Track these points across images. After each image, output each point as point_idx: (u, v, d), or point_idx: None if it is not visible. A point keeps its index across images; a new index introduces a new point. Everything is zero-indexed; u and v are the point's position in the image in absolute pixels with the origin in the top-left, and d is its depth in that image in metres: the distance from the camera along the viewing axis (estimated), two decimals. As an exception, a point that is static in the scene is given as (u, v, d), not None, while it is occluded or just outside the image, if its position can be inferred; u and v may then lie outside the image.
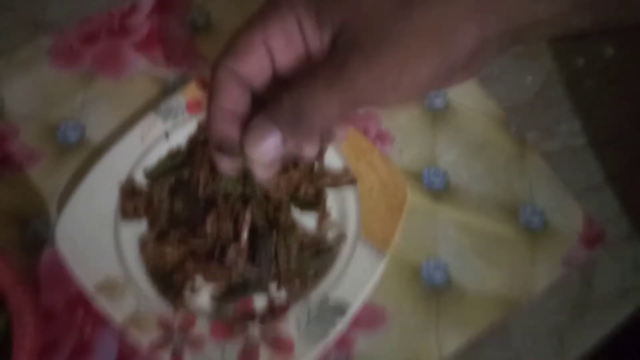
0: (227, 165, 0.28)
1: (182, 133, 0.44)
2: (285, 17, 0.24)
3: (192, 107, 0.44)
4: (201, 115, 0.44)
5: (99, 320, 0.39)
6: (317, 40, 0.24)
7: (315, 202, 0.41)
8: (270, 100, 0.24)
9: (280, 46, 0.24)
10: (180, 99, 0.45)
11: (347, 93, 0.23)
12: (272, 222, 0.40)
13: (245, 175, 0.39)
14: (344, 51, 0.23)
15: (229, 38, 0.26)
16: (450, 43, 0.22)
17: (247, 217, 0.38)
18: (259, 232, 0.39)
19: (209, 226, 0.39)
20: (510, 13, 0.23)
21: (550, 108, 0.50)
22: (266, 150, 0.24)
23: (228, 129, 0.26)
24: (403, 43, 0.22)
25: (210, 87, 0.26)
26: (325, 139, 0.29)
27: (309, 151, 0.28)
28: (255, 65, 0.25)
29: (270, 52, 0.25)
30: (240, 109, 0.26)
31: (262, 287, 0.39)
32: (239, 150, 0.25)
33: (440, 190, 0.45)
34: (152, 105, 0.45)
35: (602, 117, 0.49)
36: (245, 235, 0.38)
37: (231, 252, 0.38)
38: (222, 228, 0.39)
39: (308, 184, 0.41)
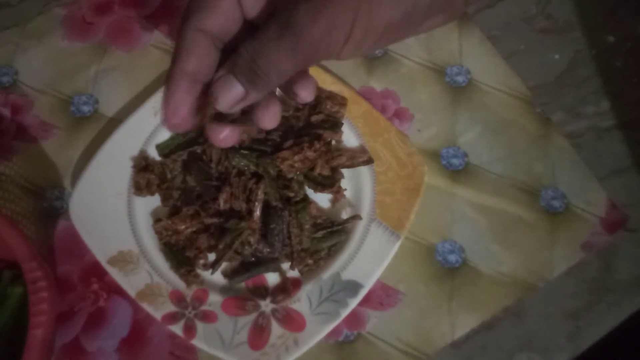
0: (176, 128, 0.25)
1: (195, 108, 0.43)
2: None
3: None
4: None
5: (114, 290, 0.39)
6: None
7: (329, 182, 0.40)
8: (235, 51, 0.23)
9: None
10: (194, 73, 0.44)
11: (298, 46, 0.22)
12: (286, 201, 0.39)
13: (259, 155, 0.39)
14: (294, 4, 0.22)
15: None
16: None
17: (260, 195, 0.38)
18: (271, 211, 0.38)
19: (222, 203, 0.38)
20: None
21: (577, 88, 0.48)
22: (230, 100, 0.23)
23: (186, 97, 0.24)
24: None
25: (175, 47, 0.24)
26: (289, 97, 0.27)
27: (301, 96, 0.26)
28: (225, 18, 0.23)
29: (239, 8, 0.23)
30: (207, 72, 0.24)
31: (275, 266, 0.39)
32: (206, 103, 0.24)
33: (459, 171, 0.44)
34: (165, 79, 0.44)
35: (630, 99, 0.47)
36: (258, 213, 0.38)
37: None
38: (235, 206, 0.38)
39: (323, 164, 0.40)
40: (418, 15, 0.23)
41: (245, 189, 0.38)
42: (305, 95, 0.26)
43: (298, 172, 0.40)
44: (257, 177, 0.39)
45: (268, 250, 0.38)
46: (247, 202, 0.38)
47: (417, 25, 0.24)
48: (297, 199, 0.40)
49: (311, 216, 0.40)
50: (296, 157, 0.39)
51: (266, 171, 0.39)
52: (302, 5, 0.21)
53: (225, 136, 0.25)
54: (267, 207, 0.39)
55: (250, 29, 0.24)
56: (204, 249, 0.39)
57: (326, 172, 0.41)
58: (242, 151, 0.39)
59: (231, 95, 0.23)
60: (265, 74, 0.22)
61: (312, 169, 0.40)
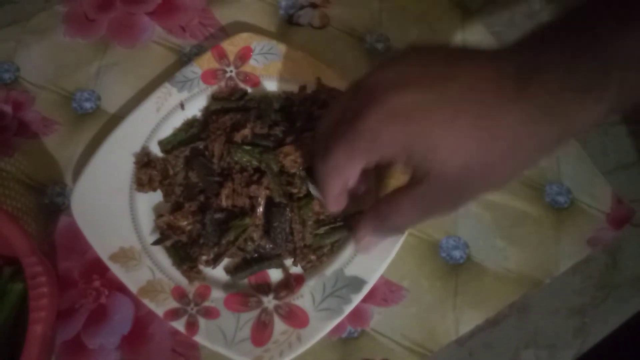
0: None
1: (197, 104, 0.43)
2: (380, 149, 0.28)
3: (207, 78, 0.43)
4: (216, 86, 0.43)
5: (115, 287, 0.39)
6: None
7: None
8: (371, 214, 0.32)
9: (374, 160, 0.29)
10: (196, 69, 0.44)
11: (428, 214, 0.30)
12: (288, 197, 0.39)
13: (261, 150, 0.38)
14: (426, 192, 0.28)
15: (330, 153, 0.30)
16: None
17: (263, 191, 0.37)
18: (273, 208, 0.38)
19: (224, 199, 0.38)
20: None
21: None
22: (372, 248, 0.34)
23: (339, 204, 0.33)
24: (481, 187, 0.28)
25: (322, 185, 0.32)
26: None
27: None
28: (354, 176, 0.31)
29: (366, 165, 0.30)
30: (347, 189, 0.32)
31: (277, 263, 0.39)
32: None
33: (463, 166, 0.44)
34: (167, 75, 0.44)
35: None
36: (260, 209, 0.38)
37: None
38: (237, 202, 0.38)
39: None
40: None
41: (248, 185, 0.38)
42: None
43: (300, 168, 0.39)
44: (260, 172, 0.39)
45: (271, 246, 0.38)
46: (249, 197, 0.38)
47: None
48: (300, 195, 0.39)
49: (314, 212, 0.39)
50: (298, 152, 0.39)
51: (269, 167, 0.38)
52: (435, 198, 0.28)
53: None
54: (270, 204, 0.38)
55: None
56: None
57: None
58: (244, 147, 0.39)
59: (373, 246, 0.34)
60: (400, 231, 0.35)
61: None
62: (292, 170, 0.39)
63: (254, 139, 0.39)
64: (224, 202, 0.38)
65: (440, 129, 0.26)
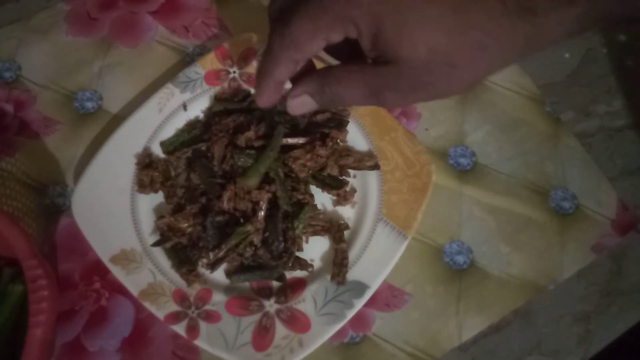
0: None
1: (200, 105, 0.43)
2: (347, 24, 0.26)
3: (211, 79, 0.43)
4: (219, 87, 0.43)
5: (116, 289, 0.38)
6: (365, 49, 0.27)
7: (336, 183, 0.40)
8: (315, 75, 0.29)
9: (337, 40, 0.28)
10: (199, 70, 0.43)
11: (373, 98, 0.28)
12: (295, 203, 0.38)
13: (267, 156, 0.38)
14: (383, 85, 0.27)
15: (291, 24, 0.27)
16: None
17: (265, 195, 0.37)
18: (267, 219, 0.37)
19: (225, 202, 0.37)
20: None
21: (588, 87, 0.47)
22: (303, 112, 0.31)
23: (273, 95, 0.31)
24: (433, 93, 0.27)
25: (268, 64, 0.29)
26: None
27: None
28: (313, 52, 0.28)
29: (327, 42, 0.28)
30: (289, 77, 0.30)
31: (276, 274, 0.38)
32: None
33: (467, 170, 0.43)
34: (170, 76, 0.44)
35: (642, 98, 0.46)
36: (262, 213, 0.37)
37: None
38: (239, 206, 0.37)
39: (333, 164, 0.40)
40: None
41: (250, 189, 0.37)
42: None
43: (309, 173, 0.39)
44: (266, 178, 0.38)
45: (268, 257, 0.38)
46: (251, 202, 0.37)
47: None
48: (305, 200, 0.39)
49: (311, 218, 0.39)
50: (308, 156, 0.38)
51: (277, 174, 0.38)
52: (390, 92, 0.27)
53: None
54: (271, 208, 0.38)
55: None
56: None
57: (335, 172, 0.40)
58: (247, 151, 0.38)
59: (306, 109, 0.31)
60: (338, 104, 0.30)
61: (321, 169, 0.39)
62: (302, 174, 0.38)
63: (257, 141, 0.39)
64: (225, 205, 0.37)
65: (417, 8, 0.24)
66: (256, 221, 0.37)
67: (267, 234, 0.37)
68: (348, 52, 0.30)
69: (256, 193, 0.37)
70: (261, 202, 0.37)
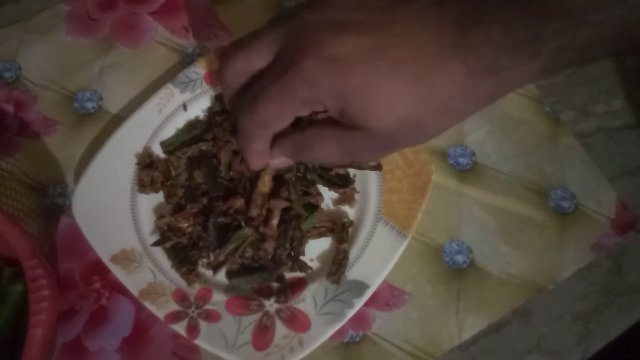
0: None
1: (200, 105, 0.43)
2: (313, 104, 0.27)
3: (211, 79, 0.43)
4: (219, 88, 0.43)
5: (116, 289, 0.38)
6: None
7: (343, 182, 0.40)
8: (290, 138, 0.31)
9: (305, 114, 0.29)
10: (198, 70, 0.43)
11: (347, 158, 0.30)
12: (307, 206, 0.38)
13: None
14: (355, 138, 0.28)
15: (259, 106, 0.29)
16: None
17: (282, 203, 0.37)
18: (284, 221, 0.37)
19: (233, 207, 0.37)
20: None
21: (587, 87, 0.47)
22: (283, 166, 0.34)
23: (263, 159, 0.33)
24: (405, 144, 0.29)
25: (245, 142, 0.32)
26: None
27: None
28: (284, 127, 0.30)
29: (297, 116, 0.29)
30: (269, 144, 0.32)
31: (276, 276, 0.38)
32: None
33: (467, 170, 0.43)
34: (170, 76, 0.44)
35: (641, 98, 0.46)
36: (276, 221, 0.37)
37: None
38: (251, 212, 0.37)
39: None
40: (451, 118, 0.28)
41: (265, 196, 0.37)
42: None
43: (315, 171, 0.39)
44: (276, 182, 0.38)
45: (269, 259, 0.38)
46: (262, 207, 0.37)
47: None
48: (318, 204, 0.39)
49: (314, 221, 0.39)
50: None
51: (291, 178, 0.38)
52: (362, 146, 0.28)
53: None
54: (284, 214, 0.38)
55: None
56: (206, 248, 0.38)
57: (342, 171, 0.40)
58: None
59: (285, 165, 0.34)
60: (315, 163, 0.34)
61: (327, 168, 0.39)
62: (311, 176, 0.39)
63: None
64: (254, 213, 0.37)
65: (379, 81, 0.25)
66: (270, 229, 0.37)
67: (277, 242, 0.37)
68: None
69: (274, 202, 0.37)
70: (275, 210, 0.37)
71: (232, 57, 0.31)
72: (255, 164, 0.33)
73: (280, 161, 0.33)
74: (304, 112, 0.28)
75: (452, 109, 0.26)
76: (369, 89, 0.25)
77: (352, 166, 0.40)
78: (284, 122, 0.29)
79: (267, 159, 0.33)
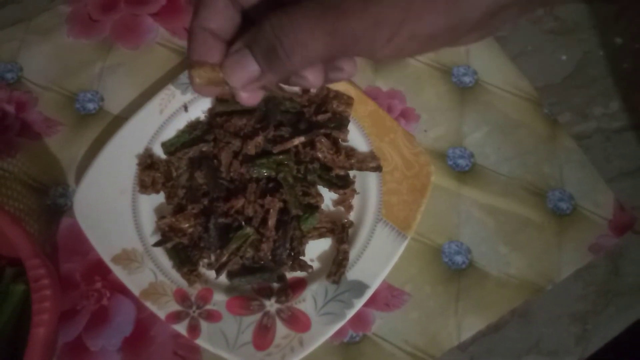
0: (207, 91, 0.25)
1: (201, 106, 0.43)
2: None
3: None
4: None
5: (117, 289, 0.39)
6: None
7: (343, 183, 0.40)
8: (256, 22, 0.21)
9: None
10: (199, 71, 0.43)
11: (336, 36, 0.20)
12: (306, 207, 0.39)
13: (277, 161, 0.38)
14: None
15: None
16: (462, 7, 0.20)
17: (277, 203, 0.37)
18: (282, 222, 0.38)
19: (234, 207, 0.38)
20: None
21: (585, 89, 0.47)
22: (243, 77, 0.22)
23: (208, 52, 0.23)
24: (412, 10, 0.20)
25: (195, 4, 0.23)
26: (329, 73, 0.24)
27: (310, 80, 0.23)
28: None
29: None
30: (226, 30, 0.23)
31: (277, 277, 0.38)
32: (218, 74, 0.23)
33: (466, 172, 0.44)
34: (171, 77, 0.44)
35: (639, 100, 0.47)
36: (273, 221, 0.37)
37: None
38: (247, 212, 0.38)
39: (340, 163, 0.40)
40: (463, 30, 0.21)
41: (262, 196, 0.38)
42: (348, 70, 0.23)
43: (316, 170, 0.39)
44: (275, 182, 0.39)
45: (269, 259, 0.38)
46: (261, 206, 0.38)
47: (458, 38, 0.22)
48: (319, 204, 0.39)
49: (315, 221, 0.39)
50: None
51: (285, 179, 0.38)
52: None
53: (248, 97, 0.23)
54: (281, 214, 0.38)
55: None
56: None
57: (342, 172, 0.40)
58: (259, 161, 0.38)
59: (245, 73, 0.21)
60: (287, 55, 0.20)
61: (327, 169, 0.39)
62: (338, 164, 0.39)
63: (263, 146, 0.39)
64: (251, 212, 0.38)
65: None
66: (267, 229, 0.37)
67: (276, 243, 0.37)
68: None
69: (269, 200, 0.37)
70: (272, 211, 0.37)
71: None
72: (196, 52, 0.22)
73: (237, 58, 0.21)
74: None
75: None
76: None
77: (351, 168, 0.41)
78: None
79: (215, 52, 0.22)
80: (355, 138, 0.42)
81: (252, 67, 0.21)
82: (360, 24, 0.20)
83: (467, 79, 0.47)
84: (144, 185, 0.40)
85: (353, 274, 0.38)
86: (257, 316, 0.37)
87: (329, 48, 0.20)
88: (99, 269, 0.39)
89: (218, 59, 0.23)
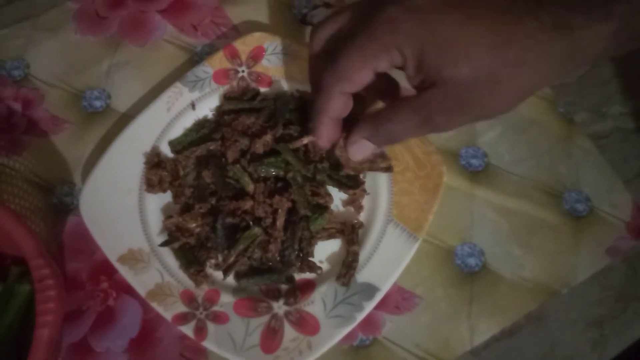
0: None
1: (209, 104, 0.42)
2: (392, 52, 0.27)
3: (219, 78, 0.43)
4: (228, 86, 0.43)
5: (123, 289, 0.38)
6: (410, 75, 0.29)
7: (353, 183, 0.39)
8: (367, 119, 0.32)
9: (384, 69, 0.29)
10: (207, 69, 0.43)
11: (426, 125, 0.29)
12: (315, 207, 0.38)
13: (286, 160, 0.38)
14: (432, 109, 0.28)
15: (340, 58, 0.29)
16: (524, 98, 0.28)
17: (286, 203, 0.37)
18: (291, 222, 0.37)
19: (243, 208, 0.37)
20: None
21: (602, 88, 0.46)
22: (363, 156, 0.35)
23: (331, 133, 0.34)
24: (482, 110, 0.28)
25: (321, 100, 0.31)
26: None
27: None
28: (364, 83, 0.30)
29: (375, 73, 0.29)
30: (342, 112, 0.32)
31: (285, 278, 0.37)
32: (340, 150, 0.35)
33: (479, 172, 0.43)
34: (178, 75, 0.43)
35: (657, 99, 0.46)
36: (281, 222, 0.37)
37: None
38: (258, 212, 0.37)
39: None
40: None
41: (271, 196, 0.37)
42: None
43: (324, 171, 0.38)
44: (283, 181, 0.38)
45: (277, 260, 0.37)
46: (270, 206, 0.37)
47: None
48: (328, 204, 0.38)
49: (324, 222, 0.38)
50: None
51: (294, 178, 0.37)
52: (441, 114, 0.28)
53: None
54: (290, 214, 0.37)
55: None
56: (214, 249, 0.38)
57: (350, 171, 0.39)
58: (267, 160, 0.38)
59: (365, 153, 0.34)
60: (395, 139, 0.31)
61: (337, 169, 0.39)
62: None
63: (273, 145, 0.39)
64: (242, 208, 0.37)
65: (456, 28, 0.26)
66: (275, 230, 0.36)
67: (285, 244, 0.37)
68: (384, 91, 0.34)
69: (277, 200, 0.37)
70: (280, 211, 0.37)
71: (321, 24, 0.32)
72: (326, 137, 0.33)
73: (358, 146, 0.32)
74: (383, 65, 0.28)
75: (527, 63, 0.25)
76: (447, 34, 0.26)
77: (364, 168, 0.40)
78: (363, 76, 0.29)
79: (338, 133, 0.33)
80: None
81: (369, 150, 0.33)
82: (439, 120, 0.29)
83: (480, 77, 0.46)
84: (151, 184, 0.39)
85: (363, 276, 0.37)
86: (265, 318, 0.36)
87: (420, 132, 0.30)
88: (105, 269, 0.38)
89: (339, 136, 0.34)
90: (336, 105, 0.31)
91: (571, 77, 0.27)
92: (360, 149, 0.33)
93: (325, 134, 0.33)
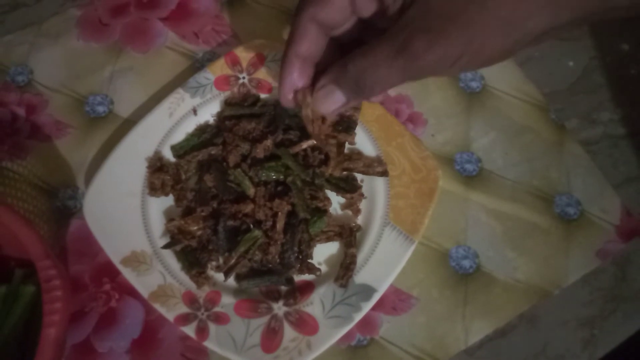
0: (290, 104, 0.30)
1: (210, 109, 0.43)
2: None
3: (220, 84, 0.44)
4: (229, 92, 0.44)
5: (125, 291, 0.39)
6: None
7: (350, 187, 0.40)
8: (336, 63, 0.26)
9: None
10: (208, 76, 0.44)
11: (409, 68, 0.24)
12: (314, 210, 0.39)
13: (286, 164, 0.39)
14: (411, 30, 0.24)
15: None
16: (518, 32, 0.23)
17: (286, 207, 0.38)
18: (290, 225, 0.38)
19: (244, 211, 0.38)
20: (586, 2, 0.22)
21: (592, 95, 0.47)
22: (331, 107, 0.28)
23: (300, 76, 0.28)
24: (469, 32, 0.23)
25: (291, 32, 0.27)
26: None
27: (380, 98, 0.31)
28: (337, 12, 0.26)
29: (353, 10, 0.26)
30: (316, 55, 0.28)
31: (285, 280, 0.38)
32: (304, 100, 0.29)
33: (473, 176, 0.44)
34: (180, 81, 0.44)
35: (645, 106, 0.47)
36: (281, 225, 0.38)
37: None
38: (258, 215, 0.38)
39: (336, 164, 0.40)
40: (518, 48, 0.24)
41: (271, 199, 0.38)
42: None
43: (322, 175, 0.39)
44: (283, 185, 0.39)
45: (277, 262, 0.38)
46: (270, 209, 0.38)
47: (508, 57, 0.25)
48: (326, 208, 0.39)
49: (323, 225, 0.39)
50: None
51: (294, 182, 0.38)
52: (420, 35, 0.23)
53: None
54: (289, 217, 0.38)
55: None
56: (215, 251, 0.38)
57: (337, 173, 0.40)
58: (267, 164, 0.39)
59: (333, 103, 0.27)
60: (370, 88, 0.26)
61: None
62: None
63: (272, 150, 0.40)
64: (243, 211, 0.38)
65: None
66: (275, 232, 0.37)
67: (284, 246, 0.38)
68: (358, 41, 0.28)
69: (277, 203, 0.37)
70: (280, 214, 0.37)
71: None
72: (287, 78, 0.27)
73: (325, 91, 0.27)
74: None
75: None
76: None
77: (359, 171, 0.41)
78: (336, 10, 0.25)
79: (303, 79, 0.28)
80: (363, 141, 0.42)
81: (338, 98, 0.27)
82: (427, 61, 0.24)
83: (474, 84, 0.47)
84: (153, 188, 0.40)
85: (361, 277, 0.38)
86: (265, 319, 0.37)
87: (402, 79, 0.25)
88: (107, 270, 0.39)
89: (307, 81, 0.28)
90: (306, 38, 0.26)
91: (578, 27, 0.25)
92: (327, 97, 0.27)
93: (288, 75, 0.27)
